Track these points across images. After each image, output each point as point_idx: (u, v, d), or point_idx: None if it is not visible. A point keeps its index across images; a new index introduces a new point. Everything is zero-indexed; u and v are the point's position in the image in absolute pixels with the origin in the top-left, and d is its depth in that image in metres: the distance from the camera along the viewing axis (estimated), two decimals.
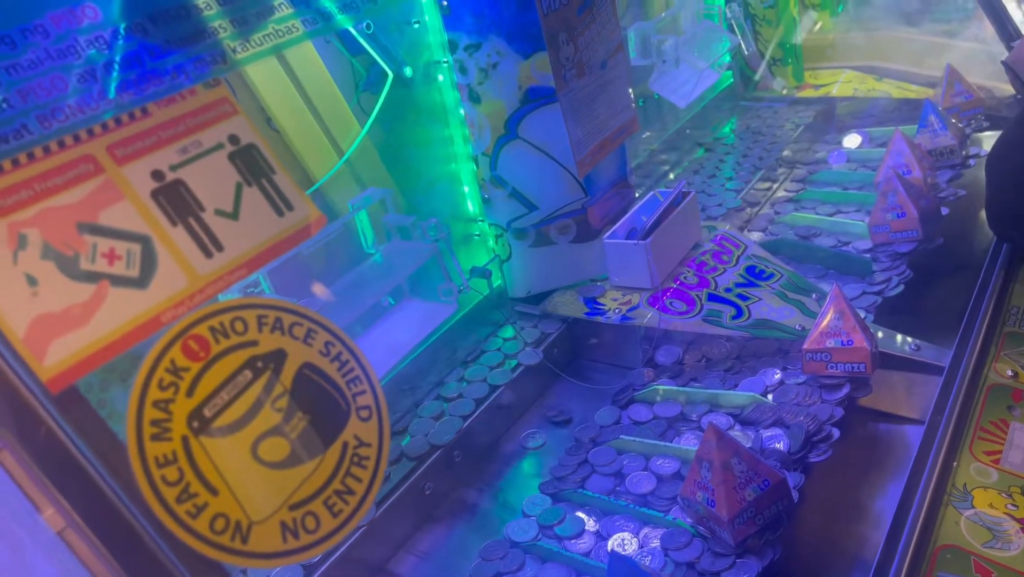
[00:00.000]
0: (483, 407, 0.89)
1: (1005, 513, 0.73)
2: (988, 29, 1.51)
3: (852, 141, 1.42)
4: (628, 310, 0.99)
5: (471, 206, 1.02)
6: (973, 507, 0.74)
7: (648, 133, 1.52)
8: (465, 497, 0.85)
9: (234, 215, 0.41)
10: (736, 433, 0.84)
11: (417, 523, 0.82)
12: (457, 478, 0.85)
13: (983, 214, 1.14)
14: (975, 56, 1.51)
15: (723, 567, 0.69)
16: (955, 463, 0.78)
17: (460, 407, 0.88)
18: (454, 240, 1.00)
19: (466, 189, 1.01)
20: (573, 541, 0.77)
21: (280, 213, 0.43)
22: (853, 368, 0.85)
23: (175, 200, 0.39)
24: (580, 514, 0.80)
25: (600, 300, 1.03)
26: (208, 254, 0.40)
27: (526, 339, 0.96)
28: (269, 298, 0.41)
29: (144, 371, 0.36)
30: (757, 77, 1.59)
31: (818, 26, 1.69)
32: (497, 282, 1.04)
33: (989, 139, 1.33)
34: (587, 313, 1.01)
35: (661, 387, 0.93)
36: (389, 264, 0.81)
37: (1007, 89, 1.43)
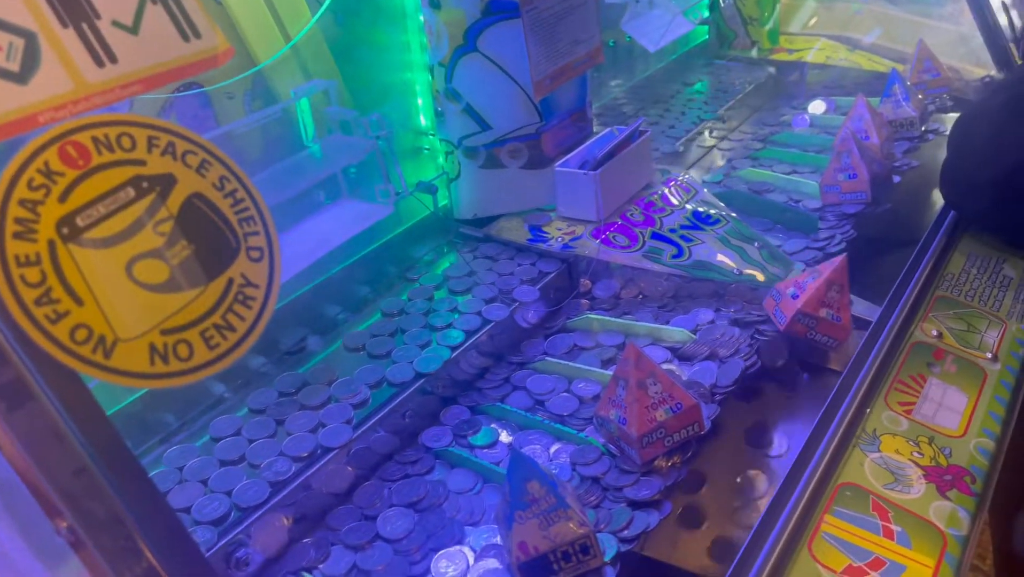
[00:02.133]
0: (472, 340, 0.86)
1: (910, 459, 0.74)
2: (965, 13, 1.51)
3: (817, 107, 1.42)
4: (571, 240, 0.98)
5: (423, 119, 1.00)
6: (879, 451, 0.75)
7: (617, 81, 1.50)
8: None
9: (133, 30, 0.39)
10: (673, 367, 0.84)
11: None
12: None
13: (934, 188, 1.15)
14: (949, 37, 1.51)
15: (627, 483, 0.69)
16: (868, 410, 0.79)
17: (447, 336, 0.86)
18: (402, 152, 0.98)
19: (420, 101, 0.98)
20: (485, 450, 0.77)
21: (186, 38, 0.41)
22: (830, 341, 0.85)
23: (68, 2, 0.37)
24: (495, 427, 0.79)
25: (545, 228, 1.02)
26: (100, 63, 0.37)
27: (522, 276, 0.94)
28: (164, 121, 0.39)
29: (12, 168, 0.34)
30: (732, 36, 1.58)
31: None
32: (444, 201, 1.03)
33: (950, 120, 1.33)
34: (529, 240, 1.00)
35: (595, 317, 0.93)
36: (327, 158, 0.79)
37: (976, 72, 1.44)
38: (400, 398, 0.78)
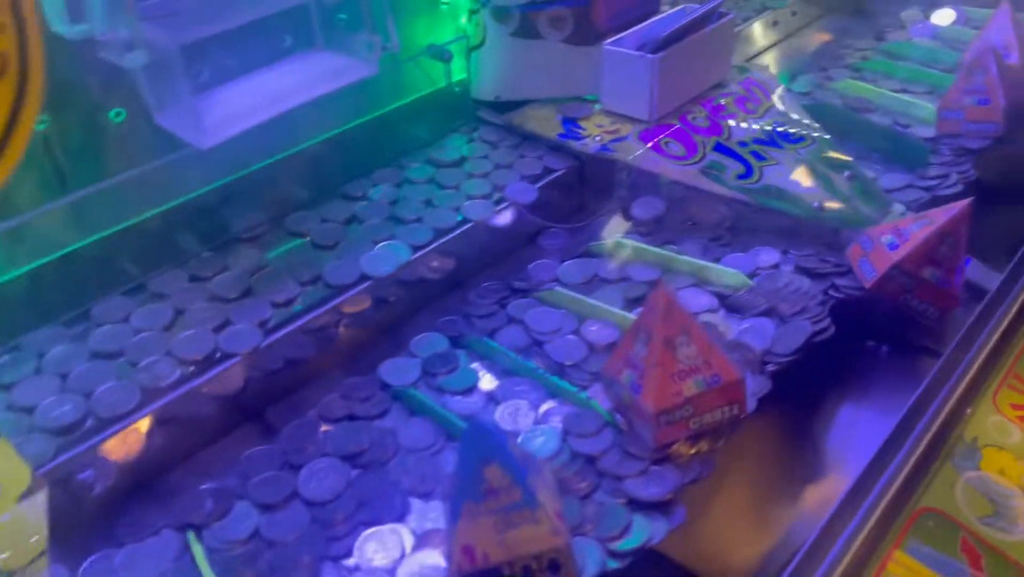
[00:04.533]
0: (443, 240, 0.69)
1: (1018, 485, 0.55)
2: None
3: (944, 17, 1.15)
4: (611, 141, 0.78)
5: None
6: (979, 469, 0.56)
7: None
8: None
9: None
10: (717, 320, 0.65)
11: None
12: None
13: None
14: None
15: (631, 472, 0.52)
16: (969, 410, 0.59)
17: (413, 233, 0.69)
18: (414, 3, 0.77)
19: None
20: (458, 397, 0.59)
21: None
22: (931, 309, 0.65)
23: None
24: (477, 367, 0.62)
25: (582, 123, 0.81)
26: None
27: (521, 171, 0.76)
28: None
29: None
30: None
31: None
32: (460, 74, 0.83)
33: None
34: (560, 135, 0.80)
35: (629, 241, 0.73)
36: None
37: None
38: (336, 301, 0.61)
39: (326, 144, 0.71)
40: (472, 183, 0.75)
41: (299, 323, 0.60)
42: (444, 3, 0.80)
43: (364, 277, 0.64)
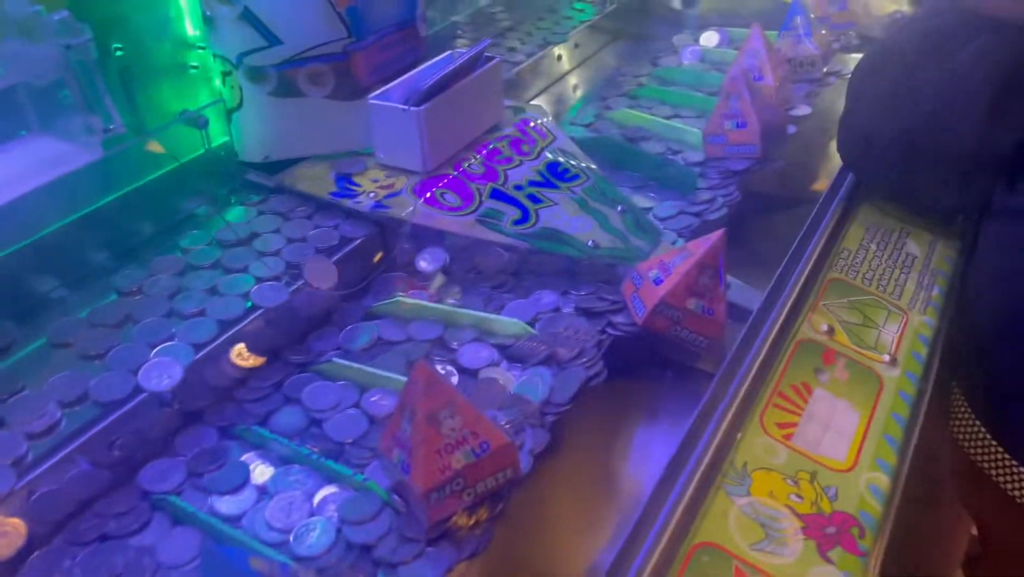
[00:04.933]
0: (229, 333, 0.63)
1: (786, 505, 0.57)
2: None
3: (710, 39, 1.22)
4: (387, 196, 0.76)
5: (190, 26, 0.75)
6: (749, 493, 0.58)
7: None
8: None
9: None
10: (499, 373, 0.65)
11: None
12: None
13: (833, 139, 0.98)
14: None
15: (405, 557, 0.50)
16: (739, 435, 0.62)
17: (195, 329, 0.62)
18: (158, 69, 0.72)
19: (183, 0, 0.73)
20: (227, 497, 0.55)
21: None
22: (698, 339, 0.67)
23: None
24: (248, 458, 0.58)
25: (357, 179, 0.79)
26: None
27: (318, 244, 0.72)
28: None
29: None
30: None
31: None
32: (220, 138, 0.78)
33: (854, 60, 1.16)
34: (333, 193, 0.77)
35: (408, 300, 0.72)
36: (5, 71, 0.54)
37: (885, 8, 1.27)
38: (105, 423, 0.55)
39: (78, 227, 0.65)
40: (261, 264, 0.69)
41: (61, 454, 0.53)
42: (192, 67, 0.75)
43: (138, 390, 0.58)
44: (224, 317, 0.64)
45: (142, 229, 0.72)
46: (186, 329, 0.62)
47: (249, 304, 0.65)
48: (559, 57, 1.18)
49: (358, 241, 0.74)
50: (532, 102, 1.05)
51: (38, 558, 0.51)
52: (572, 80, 1.16)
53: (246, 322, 0.63)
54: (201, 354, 0.61)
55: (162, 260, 0.69)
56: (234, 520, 0.54)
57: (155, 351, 0.60)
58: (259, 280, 0.67)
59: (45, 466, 0.52)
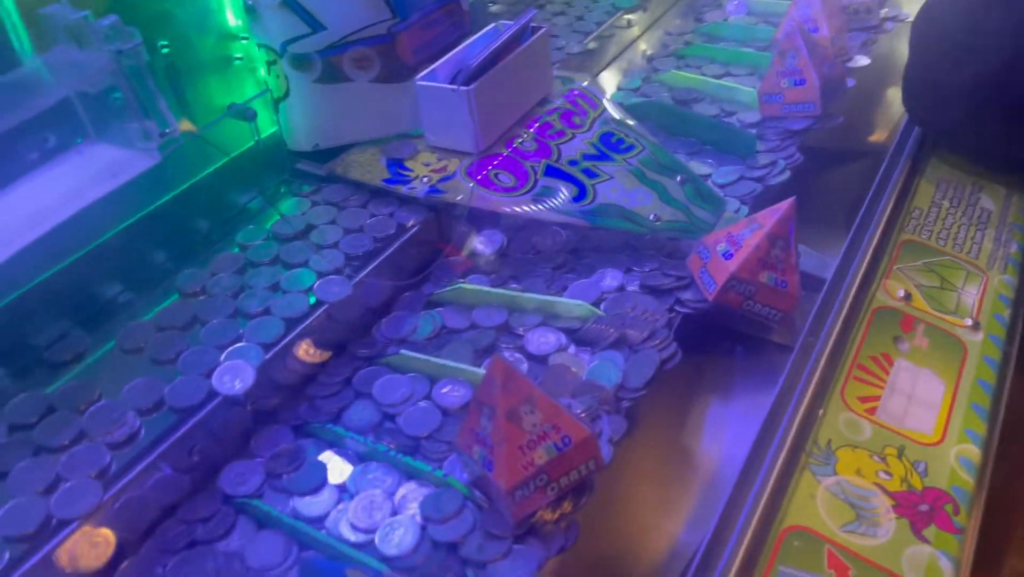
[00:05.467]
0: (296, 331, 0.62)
1: (874, 483, 0.56)
2: None
3: None
4: (440, 180, 0.75)
5: (232, 16, 0.73)
6: (836, 473, 0.56)
7: None
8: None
9: None
10: (568, 358, 0.63)
11: None
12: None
13: (894, 91, 0.94)
14: None
15: (493, 556, 0.49)
16: (821, 411, 0.60)
17: (262, 329, 0.62)
18: (203, 63, 0.71)
19: None
20: (307, 498, 0.55)
21: None
22: (772, 313, 0.65)
23: None
24: (326, 457, 0.58)
25: (408, 163, 0.77)
26: None
27: (375, 233, 0.71)
28: None
29: None
30: None
31: None
32: (270, 128, 0.77)
33: (914, 4, 1.11)
34: (386, 180, 0.76)
35: (468, 286, 0.71)
36: (57, 81, 0.53)
37: None
38: (184, 429, 0.56)
39: (136, 230, 0.64)
40: (320, 258, 0.68)
41: (144, 463, 0.54)
42: (237, 58, 0.74)
43: (213, 393, 0.57)
44: (289, 315, 0.63)
45: (198, 226, 0.72)
46: (253, 329, 0.62)
47: (313, 300, 0.64)
48: (628, 23, 1.14)
49: (414, 228, 0.72)
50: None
51: (128, 567, 0.52)
52: (640, 42, 1.11)
53: (312, 318, 0.63)
54: (270, 354, 0.60)
55: (222, 258, 0.69)
56: (317, 522, 0.54)
57: (225, 353, 0.60)
58: (320, 274, 0.66)
59: (130, 477, 0.52)
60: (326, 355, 0.64)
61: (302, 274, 0.67)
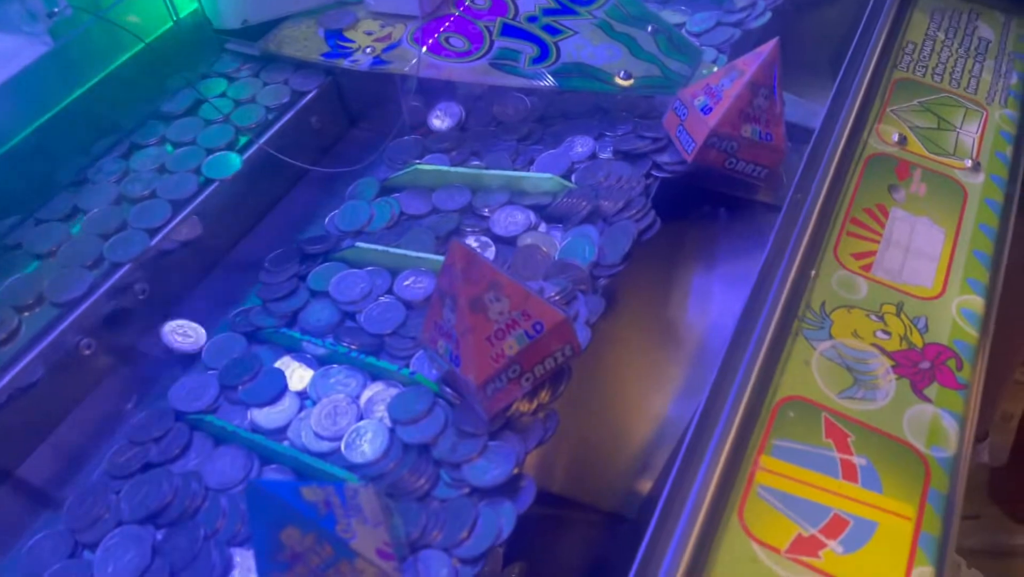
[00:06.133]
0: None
1: (872, 344, 0.52)
2: None
3: None
4: (384, 50, 0.67)
5: None
6: (831, 336, 0.52)
7: None
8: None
9: None
10: (539, 238, 0.58)
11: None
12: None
13: None
14: None
15: (468, 455, 0.46)
16: (813, 272, 0.56)
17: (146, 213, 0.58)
18: None
19: None
20: (266, 409, 0.51)
21: None
22: (757, 170, 0.60)
23: None
24: (285, 364, 0.53)
25: (348, 34, 0.70)
26: None
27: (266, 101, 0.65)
28: None
29: None
30: None
31: None
32: (191, 6, 0.69)
33: None
34: (325, 54, 0.68)
35: (424, 167, 0.64)
36: None
37: None
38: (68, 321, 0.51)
39: (43, 131, 0.57)
40: (210, 132, 0.63)
41: (29, 357, 0.50)
42: None
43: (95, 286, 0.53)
44: (176, 197, 0.58)
45: (122, 123, 0.65)
46: (137, 215, 0.57)
47: (203, 179, 0.59)
48: None
49: (309, 96, 0.66)
50: None
51: (77, 497, 0.48)
52: None
53: (202, 197, 0.58)
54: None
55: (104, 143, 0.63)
56: (278, 433, 0.50)
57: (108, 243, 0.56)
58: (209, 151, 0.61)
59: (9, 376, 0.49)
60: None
61: (191, 152, 0.61)
